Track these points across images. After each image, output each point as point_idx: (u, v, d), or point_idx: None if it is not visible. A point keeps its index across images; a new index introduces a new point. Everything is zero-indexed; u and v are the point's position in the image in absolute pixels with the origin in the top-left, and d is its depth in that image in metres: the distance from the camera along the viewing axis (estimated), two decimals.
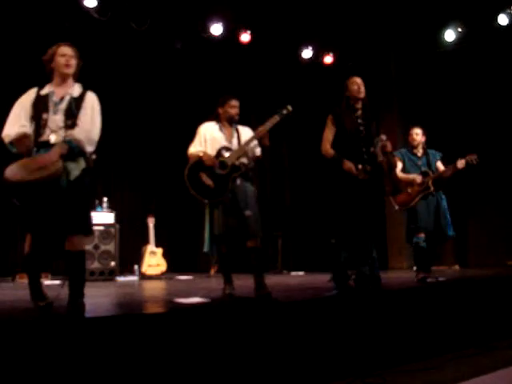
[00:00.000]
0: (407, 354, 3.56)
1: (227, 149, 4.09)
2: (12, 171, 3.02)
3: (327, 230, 4.32)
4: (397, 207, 5.35)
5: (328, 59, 8.70)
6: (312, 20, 7.72)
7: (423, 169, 5.28)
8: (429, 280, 4.97)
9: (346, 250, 4.19)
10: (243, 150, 4.06)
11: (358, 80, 4.27)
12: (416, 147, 5.37)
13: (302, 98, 7.90)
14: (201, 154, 4.05)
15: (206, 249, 4.10)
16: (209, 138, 4.12)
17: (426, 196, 5.17)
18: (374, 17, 7.84)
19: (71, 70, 3.35)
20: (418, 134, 5.35)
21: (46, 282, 6.49)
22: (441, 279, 5.15)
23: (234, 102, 4.18)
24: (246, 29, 7.80)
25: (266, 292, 3.84)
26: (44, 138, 3.16)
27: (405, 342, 3.66)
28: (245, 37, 7.84)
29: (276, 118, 4.06)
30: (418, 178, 5.17)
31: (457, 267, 8.00)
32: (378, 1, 7.52)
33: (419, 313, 3.93)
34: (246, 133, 4.22)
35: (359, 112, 4.28)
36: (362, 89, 4.24)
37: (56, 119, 3.20)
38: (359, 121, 4.24)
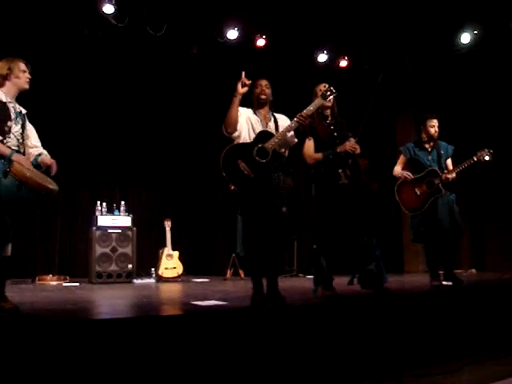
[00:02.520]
0: (424, 358, 3.54)
1: (267, 133, 3.75)
2: (27, 171, 3.17)
3: (311, 236, 4.28)
4: (406, 212, 5.07)
5: (343, 63, 8.71)
6: (327, 24, 7.73)
7: (433, 166, 4.96)
8: (444, 283, 4.91)
9: (326, 257, 4.13)
10: (284, 135, 3.74)
11: (326, 86, 4.10)
12: (425, 140, 5.06)
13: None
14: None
15: (239, 249, 3.76)
16: (245, 119, 3.83)
17: (436, 200, 4.87)
18: (389, 20, 7.83)
19: (28, 87, 3.53)
20: (434, 126, 5.02)
21: (65, 284, 6.59)
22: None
23: (261, 81, 3.94)
24: (261, 33, 7.84)
25: (280, 297, 3.67)
26: (12, 143, 3.33)
27: (422, 345, 3.65)
28: (260, 41, 7.88)
29: (320, 101, 3.85)
30: (409, 175, 4.95)
31: (473, 271, 7.93)
32: (393, 3, 7.50)
33: (436, 316, 3.91)
34: (283, 119, 3.97)
35: (329, 118, 4.27)
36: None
37: (16, 129, 3.39)
38: (332, 127, 4.23)
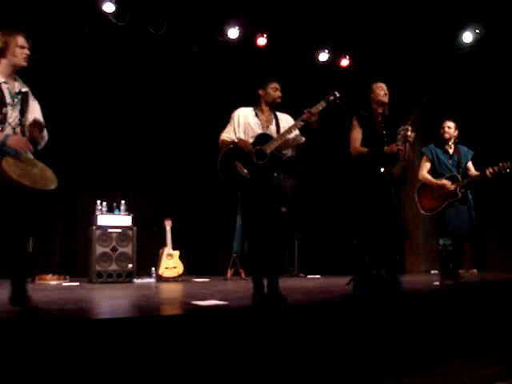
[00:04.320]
0: (424, 359, 3.53)
1: (266, 136, 3.75)
2: (14, 172, 2.84)
3: (350, 232, 4.26)
4: (422, 211, 5.18)
5: (344, 62, 8.70)
6: (328, 23, 7.73)
7: (453, 171, 5.03)
8: (449, 282, 4.91)
9: (368, 253, 4.14)
10: (284, 138, 3.73)
11: (385, 86, 4.29)
12: (447, 142, 5.11)
13: (318, 101, 7.90)
14: (236, 140, 3.73)
15: (236, 248, 3.83)
16: (242, 124, 3.81)
17: (452, 203, 4.94)
18: (391, 19, 7.82)
19: (26, 64, 3.16)
20: (450, 128, 5.07)
21: (64, 284, 6.58)
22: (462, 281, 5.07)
23: (277, 85, 3.90)
24: (262, 32, 7.83)
25: (281, 297, 3.67)
26: (6, 133, 3.00)
27: (422, 346, 3.63)
28: (261, 40, 7.87)
29: (322, 105, 3.81)
30: (449, 184, 4.94)
31: (475, 271, 7.92)
32: (395, 3, 7.49)
33: (437, 317, 3.89)
34: (285, 120, 3.92)
35: (381, 116, 4.29)
36: (388, 94, 4.26)
37: (14, 115, 3.07)
38: (382, 124, 4.25)
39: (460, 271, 5.19)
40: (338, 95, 3.91)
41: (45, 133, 3.29)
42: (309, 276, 8.11)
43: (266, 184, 3.65)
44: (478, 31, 7.91)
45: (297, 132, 3.84)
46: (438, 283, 5.18)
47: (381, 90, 4.26)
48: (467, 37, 8.03)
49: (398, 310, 3.78)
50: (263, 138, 3.74)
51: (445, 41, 8.21)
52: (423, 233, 8.50)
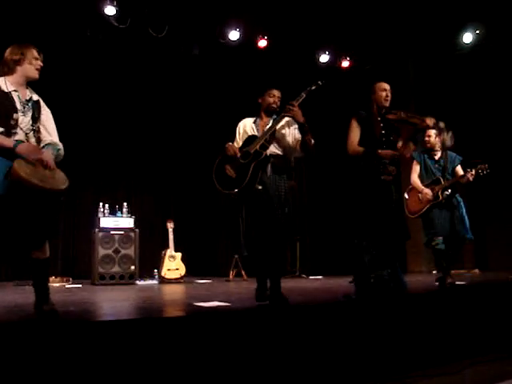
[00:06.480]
0: (426, 359, 3.54)
1: (253, 137, 3.89)
2: (24, 171, 2.89)
3: (350, 232, 4.27)
4: (408, 214, 5.30)
5: (345, 63, 8.71)
6: (329, 24, 7.74)
7: (437, 174, 5.22)
8: (449, 281, 4.95)
9: (369, 253, 4.14)
10: (268, 134, 3.81)
11: (387, 87, 4.26)
12: (432, 149, 5.31)
13: (319, 102, 7.91)
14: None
15: (245, 252, 3.82)
16: (242, 133, 4.00)
17: (436, 205, 5.11)
18: (392, 20, 7.83)
19: (38, 77, 3.31)
20: (430, 136, 5.27)
21: (67, 286, 6.60)
22: (459, 283, 5.10)
23: (275, 92, 3.99)
24: (263, 34, 7.85)
25: (283, 298, 3.69)
26: (18, 138, 3.06)
27: (424, 346, 3.64)
28: (262, 42, 7.89)
29: (302, 96, 3.87)
30: (429, 195, 5.14)
31: (476, 271, 7.93)
32: (395, 4, 7.51)
33: (438, 317, 3.90)
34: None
35: (381, 117, 4.30)
36: (390, 96, 4.25)
37: (25, 121, 3.16)
38: (381, 124, 4.26)
39: (462, 271, 5.23)
40: (319, 83, 4.01)
41: (61, 151, 3.34)
42: (311, 277, 8.12)
43: (252, 181, 3.71)
44: (478, 31, 7.92)
45: (292, 130, 3.90)
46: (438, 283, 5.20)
47: (383, 92, 4.24)
48: (467, 37, 8.04)
49: (399, 310, 3.79)
50: (250, 140, 3.88)
51: (445, 41, 8.21)
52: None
